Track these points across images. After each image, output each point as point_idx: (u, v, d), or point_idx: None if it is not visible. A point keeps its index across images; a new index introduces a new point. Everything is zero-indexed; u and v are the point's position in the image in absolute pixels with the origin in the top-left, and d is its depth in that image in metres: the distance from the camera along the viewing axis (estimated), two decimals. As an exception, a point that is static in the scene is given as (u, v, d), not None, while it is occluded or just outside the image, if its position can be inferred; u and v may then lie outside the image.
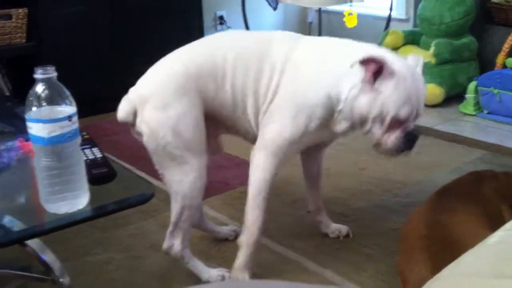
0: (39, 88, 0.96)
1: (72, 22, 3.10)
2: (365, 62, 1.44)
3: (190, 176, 1.55)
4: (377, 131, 1.50)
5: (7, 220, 1.07)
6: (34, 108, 0.96)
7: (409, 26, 3.89)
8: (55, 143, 0.96)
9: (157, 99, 1.53)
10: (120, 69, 3.25)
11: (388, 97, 1.45)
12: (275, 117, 1.57)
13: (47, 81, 0.96)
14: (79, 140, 1.00)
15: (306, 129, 1.56)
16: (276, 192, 2.21)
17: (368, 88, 1.46)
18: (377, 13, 4.11)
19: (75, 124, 0.98)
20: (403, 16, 4.04)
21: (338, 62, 1.52)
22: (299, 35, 1.68)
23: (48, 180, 0.99)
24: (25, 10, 2.92)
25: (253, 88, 1.59)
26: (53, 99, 0.97)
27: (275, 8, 4.00)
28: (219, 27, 4.28)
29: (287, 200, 2.18)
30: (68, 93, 0.98)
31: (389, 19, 3.87)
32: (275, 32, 1.72)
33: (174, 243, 1.68)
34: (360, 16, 3.89)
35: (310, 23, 4.61)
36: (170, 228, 1.66)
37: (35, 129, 0.96)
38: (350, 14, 3.83)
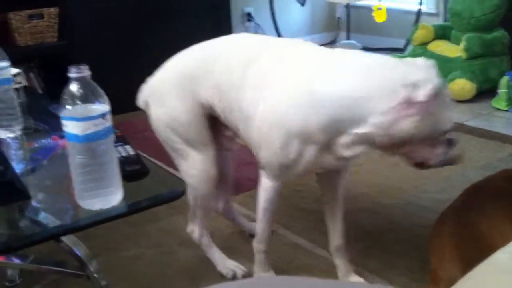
0: (73, 87, 0.98)
1: (101, 20, 3.14)
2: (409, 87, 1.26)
3: (194, 169, 1.64)
4: (423, 150, 1.35)
5: (42, 216, 1.10)
6: (68, 107, 0.98)
7: (439, 21, 3.85)
8: (89, 141, 0.98)
9: (157, 95, 1.64)
10: (148, 66, 3.28)
11: (439, 114, 1.30)
12: (263, 142, 1.45)
13: (81, 80, 0.98)
14: (112, 137, 1.02)
15: (300, 157, 1.41)
16: (298, 188, 2.22)
17: (411, 109, 1.26)
18: (407, 8, 4.08)
19: (108, 122, 1.00)
20: (433, 11, 4.00)
21: (356, 82, 1.32)
22: (307, 43, 1.53)
23: (83, 177, 1.01)
24: (57, 9, 2.96)
25: (236, 99, 1.50)
26: (87, 98, 0.98)
27: (303, 4, 4.00)
28: (247, 23, 4.29)
29: (312, 197, 2.18)
30: (101, 91, 1.00)
31: (418, 13, 3.84)
32: (282, 39, 1.67)
33: (194, 229, 1.79)
34: (389, 11, 3.87)
35: (339, 18, 4.59)
36: (190, 214, 1.78)
37: (70, 127, 0.98)
38: (379, 8, 3.81)
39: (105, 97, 1.00)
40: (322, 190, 1.68)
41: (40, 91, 2.92)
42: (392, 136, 1.29)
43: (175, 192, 1.09)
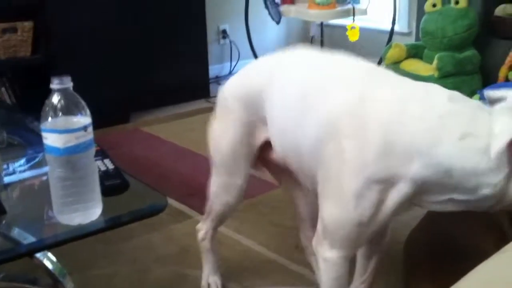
0: (55, 98, 0.96)
1: (79, 35, 3.11)
2: None
3: (218, 189, 1.59)
4: None
5: (16, 232, 1.07)
6: (49, 119, 0.96)
7: (411, 40, 3.91)
8: (70, 154, 0.96)
9: (217, 108, 1.57)
10: (124, 82, 3.27)
11: None
12: (330, 191, 1.20)
13: (63, 91, 0.96)
14: (93, 150, 1.00)
15: (379, 211, 1.15)
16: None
17: None
18: (380, 27, 4.14)
19: (90, 135, 0.98)
20: (405, 30, 4.07)
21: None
22: (384, 71, 1.28)
23: (62, 191, 0.99)
24: (31, 23, 2.92)
25: (296, 136, 1.30)
26: (68, 109, 0.97)
27: (278, 22, 4.02)
28: (222, 40, 4.30)
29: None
30: (83, 103, 0.98)
31: (391, 32, 3.89)
32: (347, 59, 1.33)
33: (201, 228, 1.72)
34: (363, 30, 3.91)
35: (312, 36, 4.63)
36: (206, 208, 1.69)
37: (50, 139, 0.96)
38: (352, 27, 3.85)
39: (87, 110, 0.99)
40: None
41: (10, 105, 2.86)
42: (506, 202, 1.11)
43: (156, 207, 1.07)
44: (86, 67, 3.14)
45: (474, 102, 1.16)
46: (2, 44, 2.83)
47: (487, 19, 3.39)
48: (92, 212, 1.02)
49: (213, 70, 4.08)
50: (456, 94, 1.15)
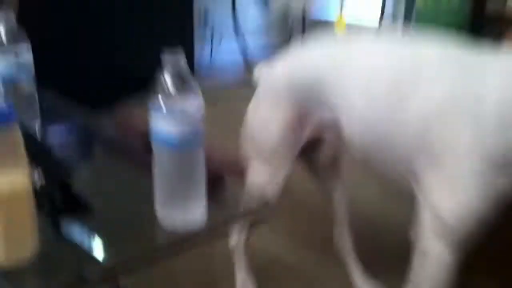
0: (167, 76, 0.79)
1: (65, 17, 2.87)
2: None
3: (256, 180, 1.45)
4: None
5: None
6: (161, 101, 0.80)
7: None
8: (186, 145, 0.81)
9: (261, 92, 1.45)
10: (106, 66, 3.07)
11: None
12: (446, 179, 1.09)
13: (176, 67, 0.80)
14: (203, 141, 0.85)
15: (500, 195, 1.08)
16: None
17: None
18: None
19: (202, 122, 0.83)
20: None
21: None
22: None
23: (171, 186, 0.83)
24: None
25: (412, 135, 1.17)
26: (183, 90, 0.80)
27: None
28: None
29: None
30: (196, 82, 0.82)
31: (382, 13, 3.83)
32: (429, 42, 1.25)
33: (233, 234, 1.61)
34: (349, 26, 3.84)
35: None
36: None
37: (166, 127, 0.79)
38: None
39: (199, 90, 0.83)
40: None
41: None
42: None
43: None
44: (70, 48, 2.92)
45: None
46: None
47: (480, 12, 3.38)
48: (197, 212, 0.86)
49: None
50: None
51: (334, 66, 1.32)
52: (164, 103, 0.79)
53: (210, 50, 4.20)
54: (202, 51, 4.16)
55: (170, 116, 0.79)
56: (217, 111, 3.36)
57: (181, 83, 0.80)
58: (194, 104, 0.81)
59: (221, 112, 3.33)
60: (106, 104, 3.00)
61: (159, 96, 0.79)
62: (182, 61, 0.80)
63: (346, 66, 1.30)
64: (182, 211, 0.84)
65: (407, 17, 3.61)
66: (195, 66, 3.81)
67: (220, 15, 4.10)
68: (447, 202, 1.10)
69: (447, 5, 3.31)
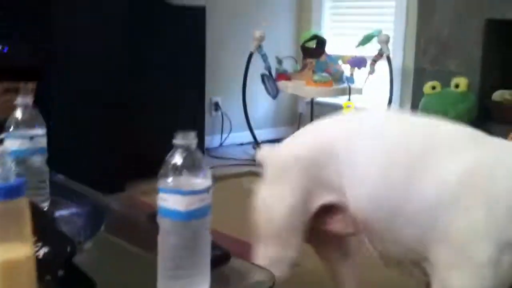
0: (178, 156, 0.85)
1: (77, 99, 2.99)
2: None
3: (268, 263, 1.38)
4: None
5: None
6: (171, 178, 0.85)
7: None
8: (192, 218, 0.85)
9: (268, 172, 1.45)
10: (124, 154, 3.15)
11: None
12: (459, 261, 1.12)
13: (186, 149, 0.86)
14: (210, 217, 0.89)
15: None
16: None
17: None
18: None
19: (210, 198, 0.87)
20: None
21: None
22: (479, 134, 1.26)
23: (174, 261, 0.86)
24: (34, 84, 2.80)
25: (426, 215, 1.18)
26: (191, 169, 0.86)
27: (274, 97, 4.02)
28: (213, 113, 4.25)
29: None
30: (204, 162, 0.87)
31: (387, 112, 3.93)
32: (437, 120, 1.30)
33: None
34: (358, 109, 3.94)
35: (301, 113, 4.65)
36: None
37: (172, 201, 0.84)
38: (348, 106, 3.88)
39: (208, 169, 0.88)
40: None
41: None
42: None
43: (263, 284, 0.95)
44: (84, 132, 3.01)
45: None
46: (4, 104, 2.68)
47: (485, 103, 3.48)
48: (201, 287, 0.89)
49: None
50: None
51: (344, 137, 1.34)
52: (172, 180, 0.84)
53: (220, 139, 4.31)
54: (211, 139, 4.26)
55: (176, 191, 0.83)
56: (225, 189, 3.42)
57: (191, 162, 0.85)
58: (202, 182, 0.85)
59: (229, 190, 3.38)
60: (118, 189, 3.08)
61: (168, 174, 0.84)
62: (193, 141, 0.86)
63: (356, 136, 1.32)
64: (185, 284, 0.87)
65: (414, 103, 3.71)
66: (205, 153, 3.89)
67: (230, 105, 4.24)
68: (461, 282, 1.12)
69: (454, 92, 3.41)
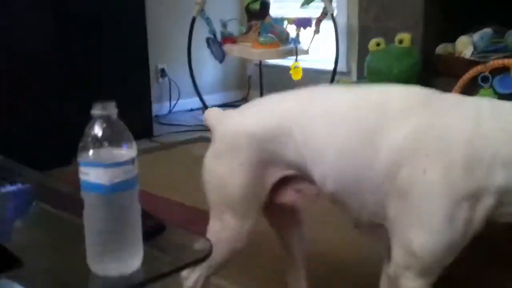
0: (97, 127, 0.81)
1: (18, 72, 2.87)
2: None
3: (225, 235, 1.42)
4: None
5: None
6: (91, 151, 0.81)
7: (350, 79, 3.97)
8: (117, 191, 0.81)
9: (218, 145, 1.43)
10: (65, 122, 3.06)
11: None
12: (415, 218, 1.15)
13: (106, 119, 0.81)
14: (137, 189, 0.85)
15: (470, 228, 1.13)
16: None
17: None
18: (320, 67, 4.18)
19: (136, 170, 0.84)
20: (344, 70, 4.13)
21: None
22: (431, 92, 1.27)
23: (101, 236, 0.83)
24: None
25: (378, 176, 1.21)
26: (113, 140, 0.82)
27: (221, 61, 3.96)
28: (160, 79, 4.17)
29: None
30: (129, 132, 0.83)
31: (334, 71, 3.93)
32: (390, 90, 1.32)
33: (189, 276, 1.52)
34: (306, 70, 3.93)
35: (249, 76, 4.61)
36: None
37: (93, 175, 0.80)
38: (296, 67, 3.86)
39: (133, 140, 0.84)
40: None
41: None
42: None
43: (200, 253, 0.93)
44: (23, 107, 2.91)
45: None
46: None
47: (429, 57, 3.50)
48: (133, 261, 0.86)
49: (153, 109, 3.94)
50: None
51: (298, 113, 1.33)
52: (93, 153, 0.80)
53: (169, 106, 4.24)
54: (160, 107, 4.19)
55: (98, 164, 0.80)
56: (174, 155, 3.38)
57: (112, 134, 0.81)
58: (125, 153, 0.82)
59: (180, 157, 3.35)
60: (65, 163, 3.00)
61: (88, 147, 0.80)
62: (113, 111, 0.82)
63: (310, 110, 1.32)
64: (116, 259, 0.84)
65: (360, 61, 3.71)
66: (153, 121, 3.83)
67: (177, 71, 4.16)
68: (418, 237, 1.15)
69: (398, 48, 3.42)
